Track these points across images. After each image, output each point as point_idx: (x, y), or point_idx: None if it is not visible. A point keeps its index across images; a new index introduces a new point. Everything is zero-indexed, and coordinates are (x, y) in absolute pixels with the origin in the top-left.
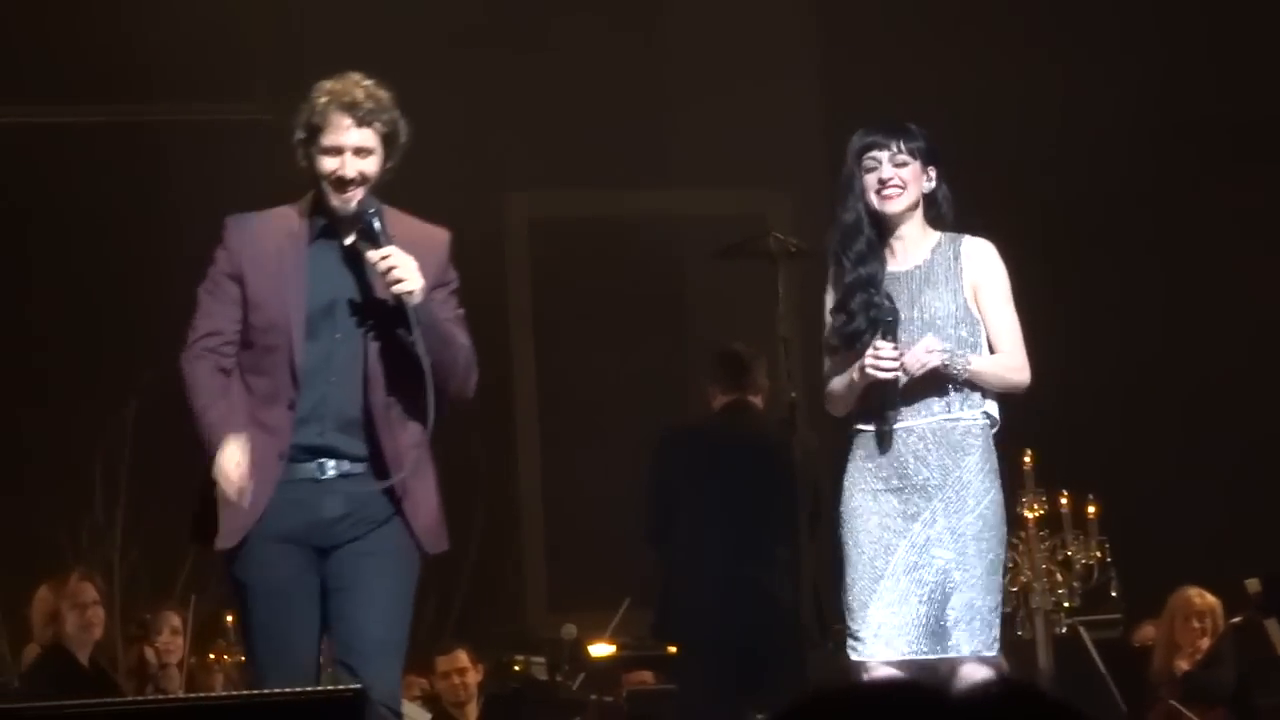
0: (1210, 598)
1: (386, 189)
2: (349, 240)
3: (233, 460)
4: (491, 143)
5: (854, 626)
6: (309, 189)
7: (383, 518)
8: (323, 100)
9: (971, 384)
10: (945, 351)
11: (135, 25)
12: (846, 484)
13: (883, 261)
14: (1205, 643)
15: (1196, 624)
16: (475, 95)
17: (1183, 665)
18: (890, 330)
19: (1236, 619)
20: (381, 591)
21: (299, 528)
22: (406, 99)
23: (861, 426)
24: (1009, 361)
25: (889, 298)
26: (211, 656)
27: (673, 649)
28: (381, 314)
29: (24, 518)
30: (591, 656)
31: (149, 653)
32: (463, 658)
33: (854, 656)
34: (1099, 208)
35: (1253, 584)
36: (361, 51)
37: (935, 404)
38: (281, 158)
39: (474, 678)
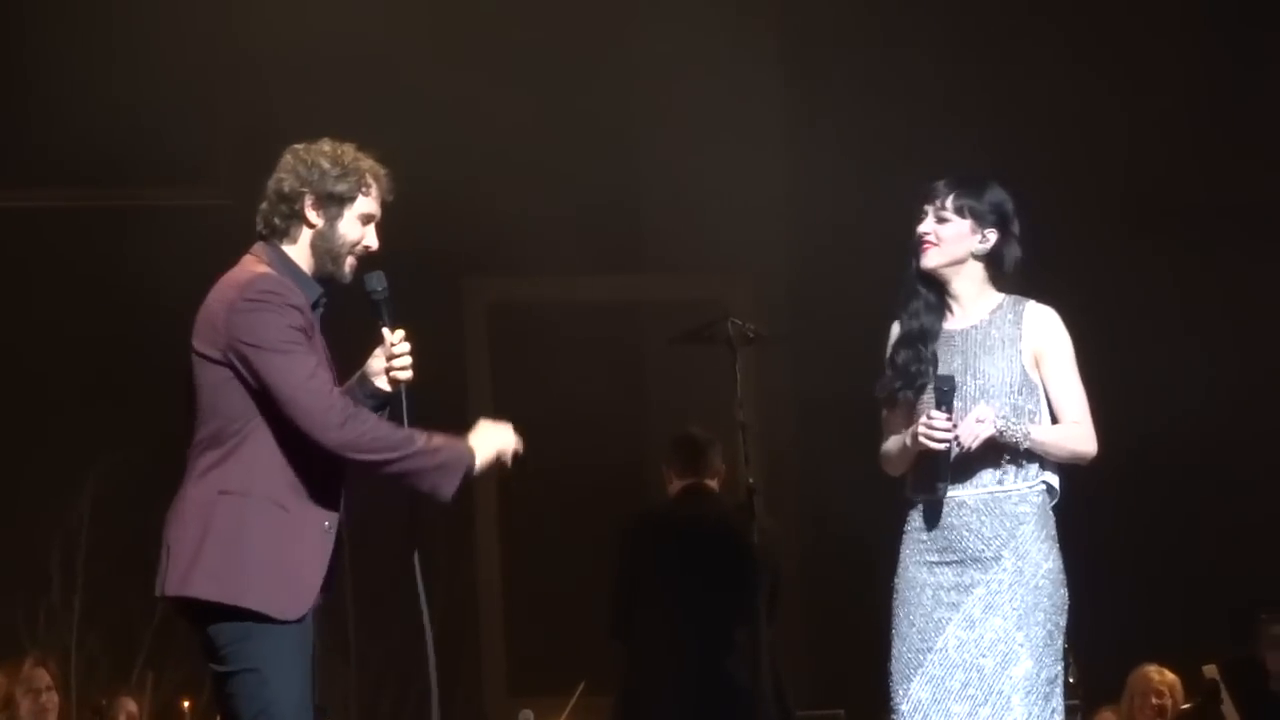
0: (1169, 674)
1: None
2: (321, 312)
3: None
4: (449, 227)
5: (894, 700)
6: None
7: None
8: (363, 165)
9: (1031, 455)
10: (1001, 419)
11: (94, 109)
12: (903, 555)
13: (939, 317)
14: None
15: (1156, 700)
16: (433, 179)
17: None
18: (945, 400)
19: (1186, 705)
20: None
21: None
22: None
23: (914, 496)
24: (1074, 431)
25: (934, 361)
26: None
27: None
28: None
29: None
30: None
31: None
32: None
33: None
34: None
35: (1210, 670)
36: (322, 136)
37: (987, 475)
38: (244, 244)
39: None
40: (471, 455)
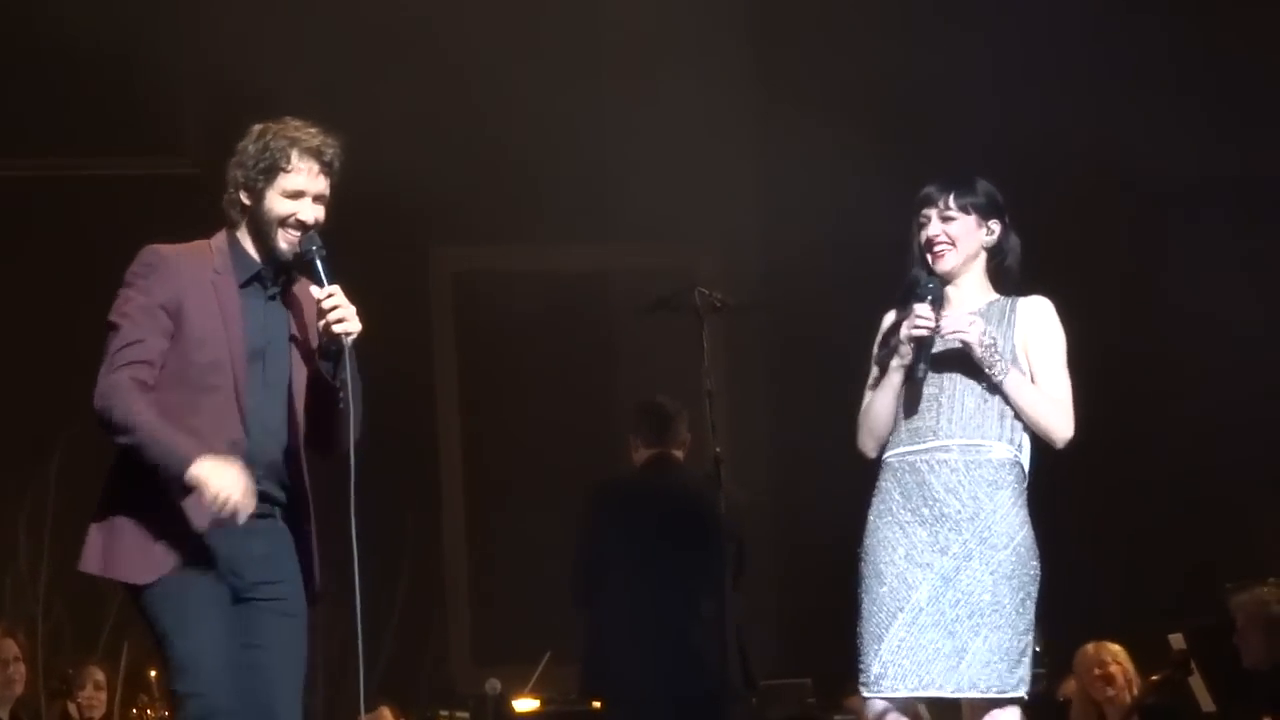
0: (1112, 646)
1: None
2: (273, 291)
3: (234, 472)
4: (416, 196)
5: (865, 660)
6: (221, 228)
7: (294, 569)
8: (283, 143)
9: (1016, 418)
10: (989, 338)
11: (62, 77)
12: (872, 517)
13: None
14: (1114, 692)
15: (1099, 670)
16: (400, 148)
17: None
18: (928, 295)
19: (1156, 676)
20: (299, 658)
21: (222, 564)
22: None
23: (891, 453)
24: (1049, 404)
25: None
26: (135, 711)
27: (598, 704)
28: (301, 361)
29: None
30: (516, 712)
31: (71, 708)
32: (386, 715)
33: (863, 692)
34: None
35: (1176, 639)
36: (290, 104)
37: (971, 430)
38: (211, 213)
39: None
40: (187, 465)
